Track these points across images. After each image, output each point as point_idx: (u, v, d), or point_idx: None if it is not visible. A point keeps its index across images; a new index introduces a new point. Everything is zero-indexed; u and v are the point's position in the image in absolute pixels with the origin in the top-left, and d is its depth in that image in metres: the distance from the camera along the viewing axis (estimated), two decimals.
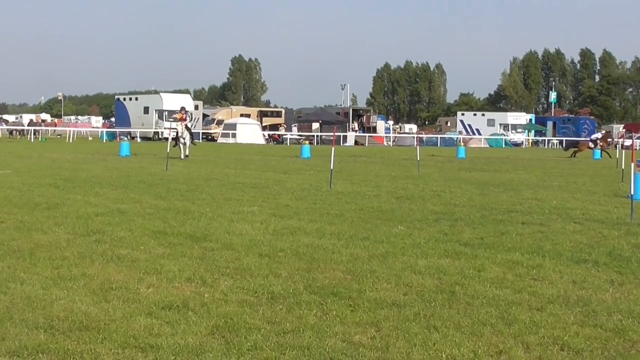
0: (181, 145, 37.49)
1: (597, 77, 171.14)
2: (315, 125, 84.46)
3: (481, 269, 9.68)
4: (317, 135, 79.60)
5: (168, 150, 30.67)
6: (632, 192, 16.21)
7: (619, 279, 9.34)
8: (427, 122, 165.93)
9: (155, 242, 11.24)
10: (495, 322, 7.19)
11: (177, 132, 38.36)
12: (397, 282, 8.85)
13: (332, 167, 22.46)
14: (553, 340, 6.63)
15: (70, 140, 69.86)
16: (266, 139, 79.46)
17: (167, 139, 39.17)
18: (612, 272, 9.73)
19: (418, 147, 35.91)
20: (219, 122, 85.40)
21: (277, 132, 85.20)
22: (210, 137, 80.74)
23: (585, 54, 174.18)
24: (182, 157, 36.63)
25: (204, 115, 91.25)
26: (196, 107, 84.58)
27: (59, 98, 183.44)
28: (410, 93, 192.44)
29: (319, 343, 6.47)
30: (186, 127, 38.46)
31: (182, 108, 41.03)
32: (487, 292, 8.41)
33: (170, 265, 9.51)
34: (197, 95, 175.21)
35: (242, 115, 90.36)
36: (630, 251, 11.34)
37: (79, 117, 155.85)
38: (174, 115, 43.51)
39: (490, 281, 8.98)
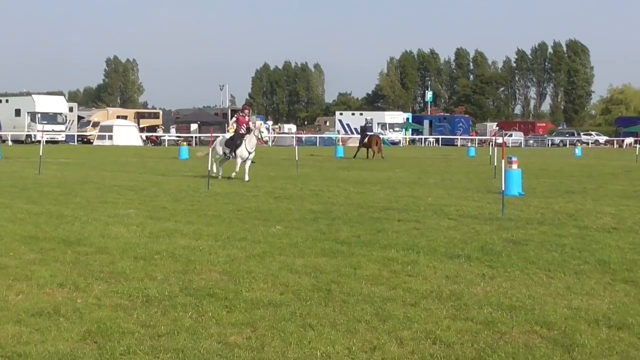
0: (239, 161, 25.91)
1: (471, 77, 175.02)
2: (194, 126, 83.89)
3: (357, 267, 9.77)
4: (195, 136, 79.01)
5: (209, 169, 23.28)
6: (503, 188, 16.65)
7: (490, 272, 9.58)
8: (306, 122, 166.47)
9: (26, 248, 10.93)
10: (370, 318, 7.28)
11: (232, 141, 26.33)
12: (274, 281, 8.86)
13: (210, 168, 22.32)
14: (426, 335, 6.75)
15: None
16: (144, 141, 78.47)
17: (39, 142, 36.11)
18: (483, 267, 9.98)
19: (297, 147, 36.05)
20: (95, 124, 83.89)
21: (154, 134, 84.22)
22: (85, 140, 79.23)
23: (460, 54, 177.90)
24: (247, 178, 24.89)
25: (79, 118, 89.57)
26: (71, 109, 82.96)
27: None
28: (289, 93, 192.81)
29: (193, 345, 6.41)
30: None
31: (246, 105, 30.80)
32: (363, 289, 8.51)
33: (42, 271, 9.26)
34: (71, 97, 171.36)
35: (118, 117, 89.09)
36: (501, 245, 11.65)
37: None
38: (236, 116, 27.26)
39: (366, 278, 9.08)
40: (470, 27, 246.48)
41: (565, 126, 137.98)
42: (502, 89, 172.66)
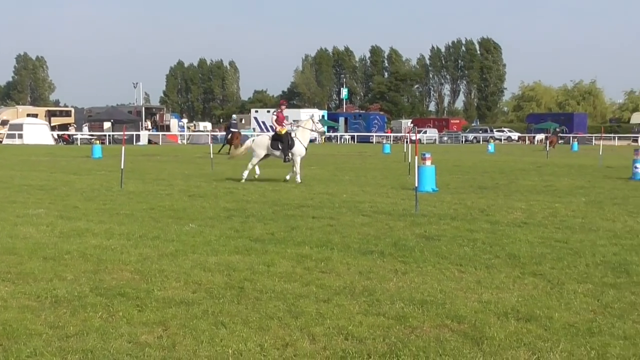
0: (298, 159, 23.79)
1: (386, 74, 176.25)
2: (107, 125, 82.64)
3: (271, 264, 9.76)
4: (109, 135, 77.91)
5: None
6: (416, 185, 16.82)
7: (402, 268, 9.67)
8: (221, 120, 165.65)
9: None
10: (282, 315, 7.27)
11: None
12: (187, 280, 8.79)
13: (122, 167, 22.03)
14: (338, 331, 6.77)
15: None
16: (55, 140, 76.99)
17: None
18: (396, 262, 10.06)
19: (212, 144, 35.83)
20: (4, 123, 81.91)
21: (66, 132, 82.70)
22: None
23: (375, 51, 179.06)
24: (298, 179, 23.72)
25: None
26: None
27: None
28: (204, 91, 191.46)
29: (103, 345, 6.32)
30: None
31: (283, 100, 29.56)
32: (276, 286, 8.49)
33: None
34: None
35: (28, 115, 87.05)
36: (414, 241, 11.77)
37: None
38: (275, 113, 24.85)
39: (279, 275, 9.07)
40: (384, 25, 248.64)
41: (478, 123, 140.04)
42: (416, 86, 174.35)
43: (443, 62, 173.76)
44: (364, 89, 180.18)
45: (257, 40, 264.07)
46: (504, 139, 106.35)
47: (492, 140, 77.47)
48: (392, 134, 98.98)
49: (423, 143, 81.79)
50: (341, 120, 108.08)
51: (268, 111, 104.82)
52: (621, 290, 8.36)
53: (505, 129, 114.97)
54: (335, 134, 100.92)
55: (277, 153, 23.76)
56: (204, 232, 12.47)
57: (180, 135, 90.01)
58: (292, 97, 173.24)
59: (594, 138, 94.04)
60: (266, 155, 24.07)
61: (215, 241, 11.56)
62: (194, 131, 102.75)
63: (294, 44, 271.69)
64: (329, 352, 6.24)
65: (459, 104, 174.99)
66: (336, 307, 7.57)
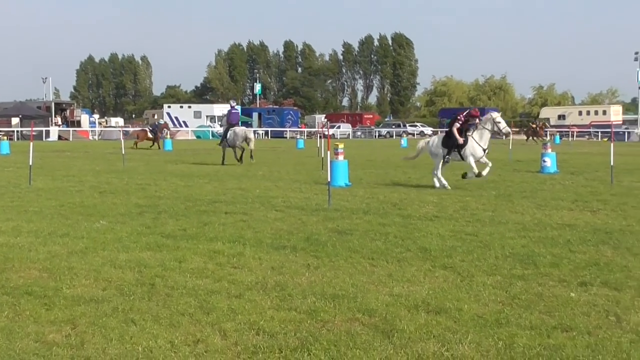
0: (471, 160, 20.98)
1: (299, 69, 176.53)
2: (15, 120, 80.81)
3: (182, 260, 9.68)
4: (17, 131, 76.21)
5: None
6: (329, 179, 16.88)
7: (315, 262, 9.69)
8: (134, 115, 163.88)
9: None
10: (193, 311, 7.22)
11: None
12: (97, 277, 8.66)
13: (31, 163, 21.60)
14: (249, 326, 6.75)
15: None
16: None
17: None
18: (309, 257, 10.07)
19: (123, 140, 35.41)
20: None
21: None
22: None
23: (288, 46, 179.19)
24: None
25: None
26: None
27: None
28: (116, 86, 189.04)
29: (9, 345, 6.18)
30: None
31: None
32: (188, 282, 8.43)
33: None
34: None
35: None
36: (326, 236, 11.80)
37: None
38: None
39: (190, 271, 9.01)
40: (298, 20, 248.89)
41: (392, 118, 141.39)
42: (330, 81, 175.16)
43: (356, 57, 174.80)
44: (278, 84, 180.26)
45: (169, 35, 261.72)
46: (417, 134, 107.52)
47: (405, 135, 78.21)
48: (305, 129, 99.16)
49: (337, 138, 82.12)
50: (255, 115, 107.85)
51: (181, 107, 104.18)
52: (528, 282, 8.53)
53: (418, 124, 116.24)
54: (249, 129, 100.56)
55: (444, 152, 21.04)
56: (114, 229, 12.30)
57: (92, 131, 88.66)
58: (205, 93, 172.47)
59: None
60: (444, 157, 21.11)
61: (126, 238, 11.42)
62: (106, 127, 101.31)
63: (207, 39, 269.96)
64: (240, 347, 6.22)
65: (372, 99, 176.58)
66: (248, 303, 7.55)
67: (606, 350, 6.08)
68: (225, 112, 28.95)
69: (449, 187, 20.18)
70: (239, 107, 45.14)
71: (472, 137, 20.84)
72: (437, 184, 20.56)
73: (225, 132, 33.23)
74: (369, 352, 6.09)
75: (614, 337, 6.42)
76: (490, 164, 20.71)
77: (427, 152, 21.73)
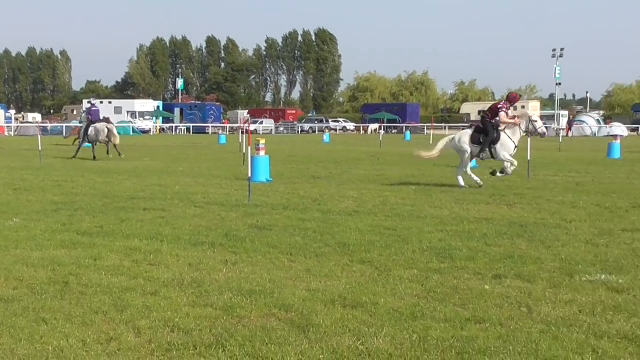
0: (504, 156, 19.68)
1: (222, 64, 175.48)
2: None
3: (97, 258, 9.54)
4: None
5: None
6: (250, 175, 16.82)
7: (232, 258, 9.63)
8: (52, 111, 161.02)
9: None
10: (107, 309, 7.11)
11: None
12: (7, 276, 8.46)
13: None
14: (164, 323, 6.67)
15: None
16: None
17: None
18: (227, 253, 10.02)
19: (40, 136, 34.78)
20: None
21: None
22: None
23: (211, 41, 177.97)
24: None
25: None
26: None
27: None
28: (33, 81, 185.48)
29: None
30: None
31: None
32: (102, 280, 8.30)
33: None
34: None
35: None
36: (245, 231, 11.76)
37: None
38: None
39: (106, 269, 8.87)
40: (221, 14, 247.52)
41: (314, 113, 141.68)
42: (253, 76, 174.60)
43: (280, 52, 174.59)
44: (201, 80, 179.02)
45: (90, 28, 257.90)
46: (340, 129, 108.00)
47: (327, 130, 78.52)
48: (228, 125, 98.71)
49: (259, 133, 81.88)
50: (176, 110, 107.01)
51: (101, 102, 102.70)
52: (444, 275, 8.61)
53: (341, 119, 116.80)
54: (171, 124, 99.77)
55: (474, 148, 19.92)
56: (28, 227, 12.06)
57: (7, 126, 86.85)
58: (127, 88, 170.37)
59: (425, 127, 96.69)
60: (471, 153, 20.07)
61: (40, 235, 11.21)
62: (22, 122, 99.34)
63: (128, 33, 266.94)
64: (154, 344, 6.13)
65: (296, 94, 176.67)
66: (163, 300, 7.46)
67: (516, 340, 6.17)
68: (84, 108, 30.00)
69: (482, 183, 19.10)
70: (98, 104, 46.01)
71: (505, 132, 19.63)
72: (462, 183, 19.28)
73: (86, 128, 33.77)
74: (283, 347, 6.07)
75: (525, 328, 6.52)
76: (515, 162, 19.53)
77: (453, 149, 20.41)
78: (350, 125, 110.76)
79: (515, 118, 19.68)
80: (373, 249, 10.21)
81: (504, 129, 19.59)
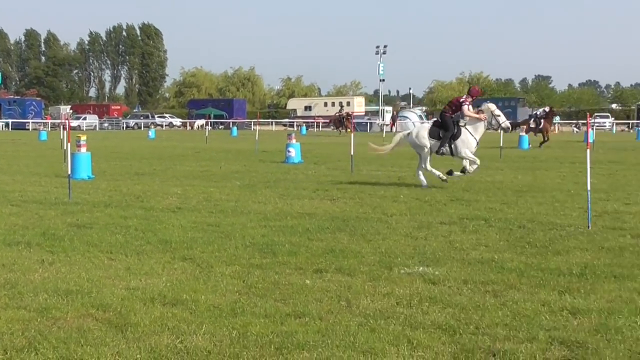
0: (466, 153, 18.67)
1: (43, 59, 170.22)
2: None
3: None
4: None
5: None
6: (70, 172, 16.41)
7: (50, 258, 9.36)
8: None
9: None
10: None
11: None
12: None
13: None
14: None
15: None
16: None
17: None
18: (44, 252, 9.73)
19: None
20: None
21: None
22: None
23: (31, 35, 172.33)
24: None
25: None
26: None
27: None
28: None
29: None
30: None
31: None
32: None
33: None
34: None
35: None
36: (64, 230, 11.46)
37: None
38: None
39: None
40: (40, 7, 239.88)
41: (140, 109, 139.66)
42: (76, 71, 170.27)
43: (103, 47, 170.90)
44: (20, 74, 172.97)
45: None
46: (166, 125, 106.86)
47: (153, 127, 77.47)
48: (50, 121, 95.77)
49: (82, 129, 79.87)
50: None
51: None
52: (266, 270, 8.65)
53: (167, 115, 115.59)
54: None
55: (432, 142, 18.74)
56: None
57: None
58: None
59: (252, 123, 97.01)
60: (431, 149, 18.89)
61: None
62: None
63: None
64: None
65: (120, 89, 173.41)
66: None
67: (335, 334, 6.26)
68: None
69: (445, 177, 18.37)
70: None
71: (466, 128, 18.61)
72: (424, 183, 18.16)
73: None
74: (100, 348, 5.92)
75: (344, 321, 6.62)
76: (478, 161, 18.64)
77: (410, 144, 19.31)
78: (177, 121, 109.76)
79: (479, 113, 18.73)
80: (195, 246, 10.15)
81: (464, 124, 18.63)
